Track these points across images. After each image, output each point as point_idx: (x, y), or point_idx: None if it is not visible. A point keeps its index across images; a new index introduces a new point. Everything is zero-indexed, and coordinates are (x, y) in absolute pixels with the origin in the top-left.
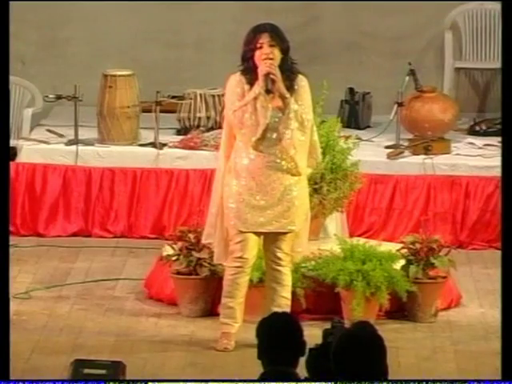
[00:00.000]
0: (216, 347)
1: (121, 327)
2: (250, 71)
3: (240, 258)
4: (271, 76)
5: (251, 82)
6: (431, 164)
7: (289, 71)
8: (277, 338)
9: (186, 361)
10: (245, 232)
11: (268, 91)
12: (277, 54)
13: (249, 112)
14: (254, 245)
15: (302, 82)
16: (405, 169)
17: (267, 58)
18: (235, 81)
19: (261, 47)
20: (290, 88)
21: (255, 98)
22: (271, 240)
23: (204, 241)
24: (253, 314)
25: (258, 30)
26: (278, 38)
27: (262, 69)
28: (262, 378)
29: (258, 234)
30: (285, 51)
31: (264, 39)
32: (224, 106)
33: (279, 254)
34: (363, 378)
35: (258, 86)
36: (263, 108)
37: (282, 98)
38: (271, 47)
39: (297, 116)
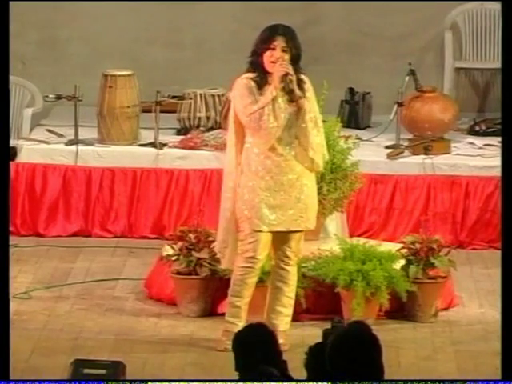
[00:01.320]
0: (216, 347)
1: (121, 327)
2: (256, 66)
3: (252, 258)
4: (289, 76)
5: (259, 84)
6: (431, 164)
7: (298, 78)
8: (252, 349)
9: (186, 361)
10: (262, 232)
11: (290, 91)
12: (287, 59)
13: (266, 114)
14: (265, 245)
15: (308, 84)
16: (405, 169)
17: (277, 61)
18: (243, 83)
19: (274, 49)
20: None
21: (272, 100)
22: (282, 239)
23: (218, 248)
24: (254, 313)
25: (275, 32)
26: (291, 44)
27: (278, 70)
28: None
29: (272, 233)
30: (295, 58)
31: (279, 42)
32: (223, 106)
33: (289, 253)
34: (358, 377)
35: (275, 88)
36: (280, 109)
37: (296, 98)
38: (283, 52)
39: (310, 116)
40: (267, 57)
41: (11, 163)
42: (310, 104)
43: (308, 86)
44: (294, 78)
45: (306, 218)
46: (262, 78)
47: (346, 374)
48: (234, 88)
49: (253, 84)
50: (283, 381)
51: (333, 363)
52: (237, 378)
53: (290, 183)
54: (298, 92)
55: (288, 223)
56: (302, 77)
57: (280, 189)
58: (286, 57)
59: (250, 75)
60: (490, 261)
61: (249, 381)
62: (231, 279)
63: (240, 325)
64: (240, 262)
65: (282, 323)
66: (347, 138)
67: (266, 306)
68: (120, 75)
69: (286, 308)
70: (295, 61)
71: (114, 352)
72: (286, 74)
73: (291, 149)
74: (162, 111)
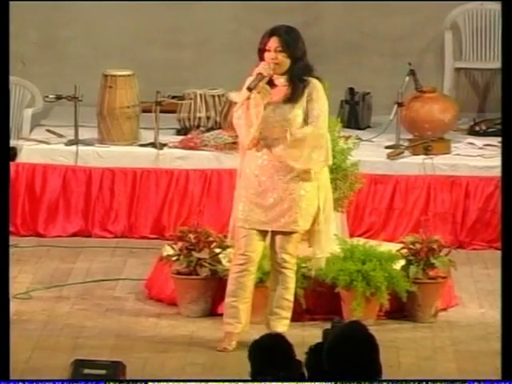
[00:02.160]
0: (217, 347)
1: (121, 327)
2: None
3: (243, 254)
4: (259, 76)
5: None
6: (431, 164)
7: (297, 79)
8: (268, 357)
9: (186, 361)
10: (244, 228)
11: (249, 89)
12: (283, 59)
13: (243, 112)
14: (258, 243)
15: (313, 89)
16: (405, 169)
17: (272, 62)
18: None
19: (269, 50)
20: (294, 94)
21: (248, 98)
22: (276, 240)
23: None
24: (253, 314)
25: (271, 33)
26: (287, 44)
27: (257, 69)
28: (258, 378)
29: (262, 233)
30: (294, 58)
31: (273, 44)
32: (223, 106)
33: (283, 255)
34: (356, 377)
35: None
36: (255, 108)
37: (285, 100)
38: (278, 52)
39: (296, 120)
40: (265, 58)
41: (11, 163)
42: (307, 109)
43: (311, 90)
44: (264, 78)
45: (291, 220)
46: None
47: (343, 374)
48: None
49: None
50: (283, 381)
51: (330, 363)
52: (236, 377)
53: (276, 184)
54: (266, 90)
55: (270, 222)
56: (306, 78)
57: (265, 189)
58: (282, 57)
59: None
60: (490, 261)
61: (251, 381)
62: (228, 279)
63: (239, 326)
64: (234, 260)
65: (280, 325)
66: (347, 138)
67: (267, 308)
68: (120, 75)
69: (284, 310)
70: (294, 61)
71: (114, 352)
72: (259, 74)
73: (278, 150)
74: (161, 111)
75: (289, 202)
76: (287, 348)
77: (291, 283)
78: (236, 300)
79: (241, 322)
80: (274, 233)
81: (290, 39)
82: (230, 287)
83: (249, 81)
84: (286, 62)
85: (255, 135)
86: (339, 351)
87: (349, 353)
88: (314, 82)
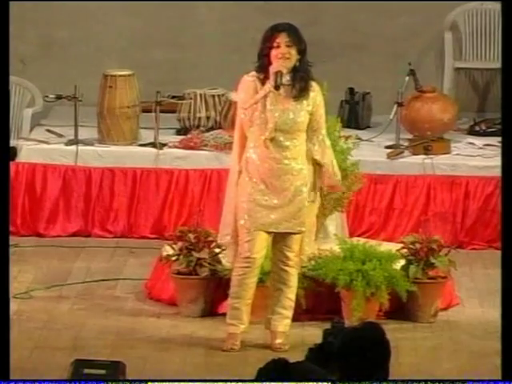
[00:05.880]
0: (222, 347)
1: (121, 327)
2: (264, 68)
3: (248, 257)
4: (279, 74)
5: (264, 81)
6: (431, 164)
7: (304, 73)
8: None
9: (186, 361)
10: (254, 231)
11: (277, 87)
12: (293, 54)
13: (259, 110)
14: (262, 245)
15: (315, 88)
16: (405, 169)
17: (283, 57)
18: (248, 80)
19: (278, 46)
20: (304, 90)
21: (265, 97)
22: (281, 239)
23: (220, 241)
24: (253, 314)
25: (276, 29)
26: (295, 38)
27: (273, 66)
28: (260, 378)
29: (267, 233)
30: (301, 52)
31: (282, 39)
32: (223, 106)
33: (288, 254)
34: (363, 378)
35: (269, 84)
36: (272, 106)
37: (294, 99)
38: (288, 47)
39: (304, 123)
40: (274, 56)
41: (11, 163)
42: (314, 108)
43: (315, 89)
44: (285, 76)
45: (299, 221)
46: (268, 76)
47: (350, 374)
48: (239, 85)
49: (258, 82)
50: (282, 380)
51: (341, 360)
52: (236, 377)
53: (284, 186)
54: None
55: (278, 224)
56: (309, 78)
57: (273, 191)
58: (292, 51)
59: (257, 74)
60: (490, 261)
61: (251, 381)
62: (231, 281)
63: (242, 327)
64: (237, 262)
65: (282, 324)
66: (347, 138)
67: (267, 308)
68: (120, 75)
69: (286, 310)
70: (302, 54)
71: (114, 352)
72: (278, 72)
73: (287, 152)
74: (162, 111)
75: (297, 204)
76: (293, 375)
77: (294, 282)
78: (239, 302)
79: (244, 322)
80: (280, 232)
81: (296, 32)
82: (233, 289)
83: (245, 84)
84: (295, 58)
85: (271, 133)
86: (354, 351)
87: (364, 355)
88: (317, 86)
